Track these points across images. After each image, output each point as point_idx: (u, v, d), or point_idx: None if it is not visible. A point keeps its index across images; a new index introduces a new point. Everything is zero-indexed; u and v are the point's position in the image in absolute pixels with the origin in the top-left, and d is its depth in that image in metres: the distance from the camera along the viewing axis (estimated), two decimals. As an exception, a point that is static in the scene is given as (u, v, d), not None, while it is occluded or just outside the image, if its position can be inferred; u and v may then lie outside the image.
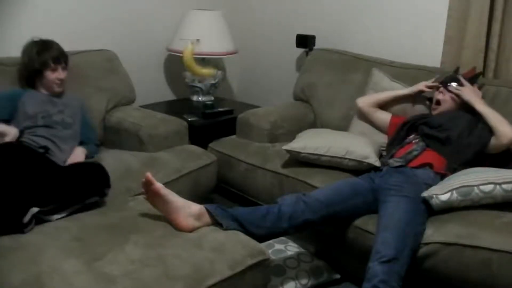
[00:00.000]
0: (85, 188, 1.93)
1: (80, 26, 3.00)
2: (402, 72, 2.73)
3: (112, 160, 2.35)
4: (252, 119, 2.81)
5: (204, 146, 2.75)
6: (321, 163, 2.38)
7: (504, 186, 1.90)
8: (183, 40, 3.21)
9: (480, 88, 2.41)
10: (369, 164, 2.31)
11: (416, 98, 2.56)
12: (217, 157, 2.64)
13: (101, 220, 1.84)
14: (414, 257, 1.84)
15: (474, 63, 2.61)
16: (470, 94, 2.31)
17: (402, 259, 1.77)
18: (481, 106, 2.24)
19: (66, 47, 2.56)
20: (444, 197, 1.93)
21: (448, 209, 1.95)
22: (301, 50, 3.42)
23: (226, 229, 1.83)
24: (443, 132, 2.26)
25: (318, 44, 3.28)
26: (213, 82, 3.39)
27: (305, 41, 3.30)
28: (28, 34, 2.48)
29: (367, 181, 2.17)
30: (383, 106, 2.60)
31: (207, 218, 1.84)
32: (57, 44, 2.45)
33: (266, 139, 2.75)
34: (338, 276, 2.26)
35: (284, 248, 2.30)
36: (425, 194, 1.97)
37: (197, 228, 1.81)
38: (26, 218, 1.72)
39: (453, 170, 2.14)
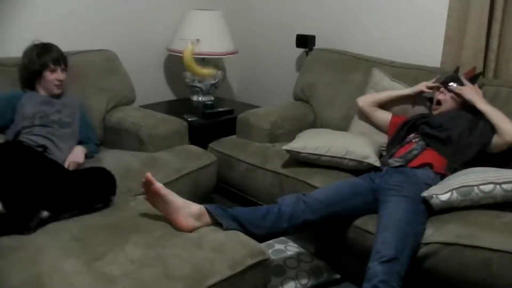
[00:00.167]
0: (94, 195, 1.93)
1: (80, 26, 3.00)
2: (402, 72, 2.73)
3: (112, 160, 2.35)
4: (252, 119, 2.81)
5: (204, 146, 2.75)
6: (321, 163, 2.38)
7: (504, 186, 1.90)
8: (183, 40, 3.22)
9: (480, 88, 2.41)
10: (369, 164, 2.31)
11: (416, 98, 2.56)
12: (217, 157, 2.64)
13: (101, 220, 1.84)
14: (414, 257, 1.84)
15: (474, 63, 2.61)
16: (472, 93, 2.31)
17: (402, 259, 1.77)
18: (482, 105, 2.24)
19: (66, 47, 2.56)
20: (444, 197, 1.93)
21: (448, 209, 1.95)
22: (301, 50, 3.42)
23: (226, 229, 1.83)
24: (443, 132, 2.26)
25: (318, 44, 3.28)
26: (213, 82, 3.39)
27: (305, 41, 3.30)
28: (28, 34, 2.48)
29: (367, 181, 2.17)
30: (384, 106, 2.60)
31: (207, 218, 1.84)
32: (56, 47, 2.47)
33: (266, 139, 2.75)
34: (338, 276, 2.26)
35: (284, 248, 2.30)
36: (425, 194, 1.97)
37: (197, 228, 1.81)
38: (34, 223, 1.73)
39: (453, 170, 2.13)
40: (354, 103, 2.66)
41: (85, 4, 3.01)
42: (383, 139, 2.53)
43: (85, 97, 2.66)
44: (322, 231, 2.23)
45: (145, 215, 1.89)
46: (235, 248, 1.71)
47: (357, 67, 2.92)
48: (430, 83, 2.50)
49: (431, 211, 1.96)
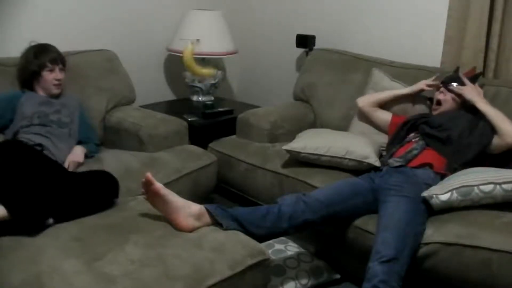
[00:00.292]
0: (98, 201, 1.92)
1: (80, 26, 3.00)
2: (402, 72, 2.73)
3: (112, 160, 2.35)
4: (252, 119, 2.81)
5: (204, 146, 2.75)
6: (321, 163, 2.38)
7: (504, 186, 1.90)
8: (183, 40, 3.21)
9: (480, 88, 2.41)
10: (369, 164, 2.31)
11: (416, 98, 2.56)
12: (217, 157, 2.64)
13: (101, 220, 1.84)
14: (414, 257, 1.84)
15: (474, 63, 2.61)
16: (472, 93, 2.31)
17: (402, 259, 1.77)
18: (483, 105, 2.24)
19: (66, 47, 2.56)
20: (444, 197, 1.93)
21: (448, 209, 1.95)
22: (301, 50, 3.42)
23: (226, 229, 1.82)
24: (443, 132, 2.25)
25: (318, 44, 3.28)
26: (213, 82, 3.39)
27: (305, 41, 3.30)
28: (28, 34, 2.48)
29: (367, 181, 2.17)
30: (384, 106, 2.60)
31: (207, 218, 1.84)
32: (54, 47, 2.47)
33: (266, 139, 2.75)
34: (338, 276, 2.26)
35: (284, 248, 2.30)
36: (425, 194, 1.97)
37: (197, 228, 1.81)
38: (39, 230, 1.73)
39: (453, 170, 2.13)
40: (354, 103, 2.66)
41: (85, 4, 3.01)
42: (383, 139, 2.53)
43: (85, 97, 2.66)
44: (322, 231, 2.23)
45: (145, 215, 1.89)
46: (235, 248, 1.71)
47: (357, 67, 2.92)
48: (429, 81, 2.50)
49: (431, 211, 1.96)
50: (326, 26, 3.31)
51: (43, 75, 2.40)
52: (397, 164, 2.19)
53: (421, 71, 2.68)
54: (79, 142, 2.42)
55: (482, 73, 2.58)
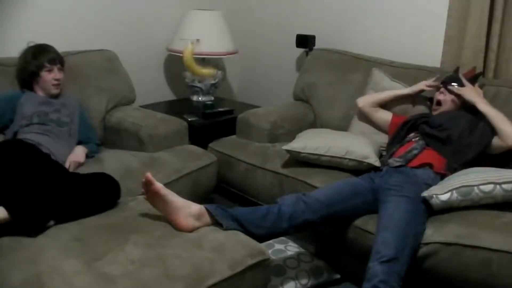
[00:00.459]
0: (100, 204, 1.92)
1: (80, 26, 3.00)
2: (402, 72, 2.73)
3: (112, 160, 2.35)
4: (252, 119, 2.81)
5: (204, 146, 2.75)
6: (321, 163, 2.38)
7: (504, 186, 1.90)
8: (183, 40, 3.22)
9: (480, 88, 2.41)
10: (369, 164, 2.31)
11: (416, 98, 2.56)
12: (217, 157, 2.64)
13: (101, 220, 1.84)
14: (414, 257, 1.84)
15: (474, 63, 2.61)
16: (472, 94, 2.31)
17: (402, 259, 1.77)
18: (483, 106, 2.24)
19: (66, 47, 2.56)
20: (444, 197, 1.93)
21: (448, 209, 1.95)
22: (301, 50, 3.42)
23: (226, 229, 1.82)
24: (443, 132, 2.25)
25: (318, 44, 3.28)
26: (213, 82, 3.39)
27: (305, 41, 3.30)
28: (28, 35, 2.48)
29: (367, 181, 2.17)
30: (384, 106, 2.60)
31: (207, 218, 1.84)
32: (52, 47, 2.47)
33: (266, 139, 2.75)
34: (338, 276, 2.26)
35: (284, 248, 2.30)
36: (425, 194, 1.97)
37: (197, 228, 1.81)
38: (40, 231, 1.72)
39: (453, 170, 2.13)
40: (354, 103, 2.66)
41: (85, 4, 3.01)
42: (383, 139, 2.53)
43: (85, 97, 2.66)
44: (322, 231, 2.23)
45: (145, 215, 1.89)
46: (235, 248, 1.71)
47: (357, 67, 2.92)
48: (429, 82, 2.50)
49: (431, 211, 1.96)
50: (326, 26, 3.31)
51: (42, 75, 2.40)
52: (397, 164, 2.19)
53: (421, 71, 2.68)
54: (80, 142, 2.42)
55: (482, 73, 2.58)
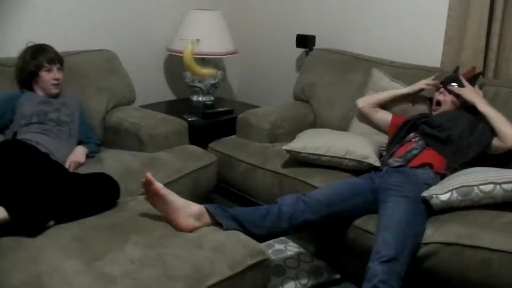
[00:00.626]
0: (100, 205, 1.92)
1: (80, 26, 3.00)
2: (402, 72, 2.73)
3: (112, 160, 2.35)
4: (252, 119, 2.81)
5: (204, 146, 2.75)
6: (321, 163, 2.38)
7: (504, 186, 1.90)
8: (183, 40, 3.21)
9: (480, 88, 2.41)
10: (369, 164, 2.31)
11: (416, 98, 2.57)
12: (217, 157, 2.64)
13: (101, 220, 1.84)
14: (414, 257, 1.84)
15: (474, 63, 2.61)
16: (472, 94, 2.31)
17: (402, 259, 1.77)
18: (483, 106, 2.24)
19: (66, 47, 2.56)
20: (444, 197, 1.93)
21: (448, 209, 1.95)
22: (301, 50, 3.42)
23: (226, 229, 1.82)
24: (443, 132, 2.25)
25: (318, 44, 3.28)
26: (213, 82, 3.39)
27: (305, 41, 3.30)
28: (28, 35, 2.48)
29: (367, 181, 2.17)
30: (384, 106, 2.60)
31: (207, 218, 1.84)
32: (51, 47, 2.47)
33: (266, 139, 2.75)
34: (338, 276, 2.26)
35: (284, 248, 2.30)
36: (425, 194, 1.97)
37: (197, 228, 1.81)
38: (39, 231, 1.72)
39: (453, 170, 2.13)
40: (354, 104, 2.66)
41: (85, 4, 3.01)
42: (383, 139, 2.53)
43: (85, 97, 2.66)
44: (322, 231, 2.23)
45: (145, 215, 1.89)
46: (235, 248, 1.71)
47: (357, 67, 2.92)
48: (429, 81, 2.50)
49: (431, 211, 1.96)
50: (326, 26, 3.31)
51: (41, 75, 2.40)
52: (397, 164, 2.19)
53: (421, 71, 2.68)
54: (80, 142, 2.42)
55: (482, 73, 2.58)
